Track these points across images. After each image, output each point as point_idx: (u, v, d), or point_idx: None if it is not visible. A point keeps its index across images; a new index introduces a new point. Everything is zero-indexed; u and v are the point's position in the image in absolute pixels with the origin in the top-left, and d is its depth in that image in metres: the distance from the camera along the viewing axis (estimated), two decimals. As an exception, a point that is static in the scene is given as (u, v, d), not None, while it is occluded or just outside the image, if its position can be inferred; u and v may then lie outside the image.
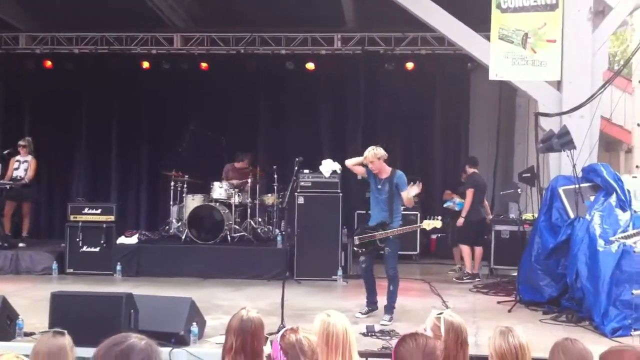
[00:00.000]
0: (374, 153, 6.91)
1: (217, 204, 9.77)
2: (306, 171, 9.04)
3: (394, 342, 5.56)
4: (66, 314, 5.54)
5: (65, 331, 3.26)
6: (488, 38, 8.39)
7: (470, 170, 9.66)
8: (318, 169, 8.96)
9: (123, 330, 5.34)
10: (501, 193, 10.38)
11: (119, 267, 9.30)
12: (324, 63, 11.68)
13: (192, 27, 11.78)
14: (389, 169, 7.00)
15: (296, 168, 7.57)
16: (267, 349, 3.40)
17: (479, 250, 9.44)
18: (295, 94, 11.88)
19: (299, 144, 11.15)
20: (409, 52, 11.48)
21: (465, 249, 9.40)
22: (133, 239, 9.71)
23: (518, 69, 8.27)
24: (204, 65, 11.69)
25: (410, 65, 11.48)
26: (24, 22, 11.97)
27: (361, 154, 7.08)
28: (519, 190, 9.67)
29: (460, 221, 9.31)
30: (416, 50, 11.45)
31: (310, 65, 11.64)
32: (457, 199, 9.75)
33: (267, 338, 3.47)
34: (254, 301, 7.30)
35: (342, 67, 11.78)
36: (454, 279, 9.38)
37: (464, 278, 9.25)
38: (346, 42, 11.61)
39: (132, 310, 5.59)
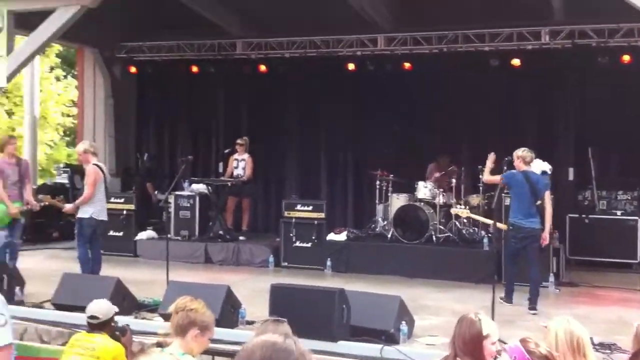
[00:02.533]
0: None
1: (422, 203, 9.84)
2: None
3: (616, 356, 5.29)
4: (284, 305, 5.89)
5: (285, 320, 3.51)
6: None
7: None
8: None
9: (336, 324, 5.65)
10: None
11: (329, 263, 9.71)
12: (531, 58, 11.26)
13: (395, 28, 11.91)
14: None
15: (504, 168, 7.42)
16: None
17: None
18: (499, 92, 11.55)
19: (503, 143, 10.82)
20: (625, 44, 10.71)
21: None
22: (342, 236, 10.09)
23: None
24: (407, 65, 11.78)
25: (626, 58, 10.68)
26: (240, 29, 12.82)
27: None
28: None
29: None
30: (632, 42, 10.65)
31: (515, 62, 11.25)
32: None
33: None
34: (463, 303, 7.26)
35: (550, 62, 11.24)
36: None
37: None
38: (554, 36, 11.07)
39: (344, 306, 5.83)
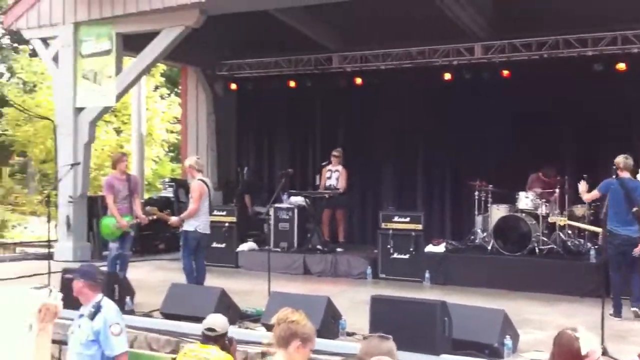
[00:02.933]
0: None
1: (524, 214, 9.59)
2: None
3: None
4: (384, 316, 5.89)
5: (391, 337, 3.51)
6: None
7: None
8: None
9: (438, 337, 5.59)
10: None
11: (427, 275, 9.60)
12: (637, 62, 10.74)
13: (492, 35, 11.72)
14: None
15: (614, 177, 7.16)
16: None
17: None
18: (603, 97, 11.09)
19: (609, 150, 10.38)
20: None
21: None
22: (440, 248, 9.98)
23: None
24: (505, 72, 11.56)
25: None
26: (336, 43, 12.99)
27: None
28: None
29: None
30: None
31: (621, 66, 10.82)
32: None
33: None
34: (569, 318, 7.03)
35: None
36: None
37: None
38: (662, 38, 10.58)
39: (446, 318, 5.76)
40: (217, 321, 4.79)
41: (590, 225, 9.09)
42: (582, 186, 7.89)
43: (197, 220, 8.50)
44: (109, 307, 5.01)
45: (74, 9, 11.30)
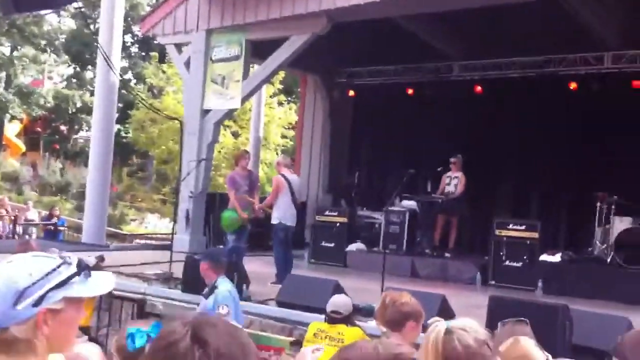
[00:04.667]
0: None
1: (649, 227, 9.21)
2: None
3: None
4: (502, 317, 5.60)
5: (527, 320, 3.49)
6: None
7: None
8: None
9: (558, 341, 5.45)
10: None
11: (540, 284, 9.36)
12: None
13: (622, 44, 11.30)
14: None
15: None
16: None
17: None
18: None
19: None
20: None
21: None
22: (556, 257, 9.73)
23: None
24: (635, 83, 11.11)
25: None
26: (459, 51, 12.98)
27: None
28: None
29: None
30: None
31: None
32: None
33: None
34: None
35: None
36: None
37: None
38: None
39: (567, 322, 5.64)
40: (341, 302, 4.93)
41: None
42: None
43: (280, 213, 8.96)
44: (223, 288, 5.29)
45: (207, 16, 11.89)
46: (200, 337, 1.42)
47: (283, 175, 9.07)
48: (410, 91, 13.49)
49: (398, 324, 3.53)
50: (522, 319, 3.64)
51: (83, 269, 1.71)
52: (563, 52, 11.69)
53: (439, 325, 2.27)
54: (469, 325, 2.30)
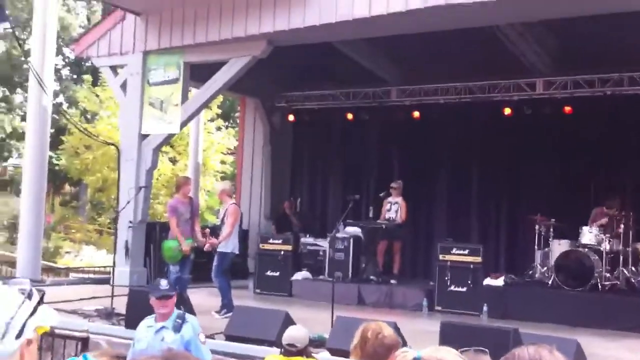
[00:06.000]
0: None
1: (586, 249, 9.47)
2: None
3: None
4: (454, 343, 5.76)
5: (487, 350, 3.49)
6: None
7: None
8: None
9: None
10: None
11: (485, 308, 9.48)
12: None
13: (554, 71, 11.71)
14: None
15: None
16: None
17: None
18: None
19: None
20: None
21: None
22: (499, 281, 9.88)
23: None
24: (567, 108, 11.52)
25: None
26: (396, 77, 13.16)
27: None
28: None
29: None
30: None
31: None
32: None
33: None
34: (635, 353, 6.88)
35: None
36: None
37: None
38: None
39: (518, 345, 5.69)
40: (299, 336, 4.84)
41: None
42: None
43: (234, 242, 8.95)
44: (191, 317, 5.13)
45: (144, 37, 11.61)
46: None
47: (236, 204, 9.04)
48: (350, 116, 13.60)
49: (381, 357, 3.44)
50: (482, 348, 3.62)
51: (42, 297, 1.73)
52: (497, 78, 12.00)
53: (407, 356, 2.17)
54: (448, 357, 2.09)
